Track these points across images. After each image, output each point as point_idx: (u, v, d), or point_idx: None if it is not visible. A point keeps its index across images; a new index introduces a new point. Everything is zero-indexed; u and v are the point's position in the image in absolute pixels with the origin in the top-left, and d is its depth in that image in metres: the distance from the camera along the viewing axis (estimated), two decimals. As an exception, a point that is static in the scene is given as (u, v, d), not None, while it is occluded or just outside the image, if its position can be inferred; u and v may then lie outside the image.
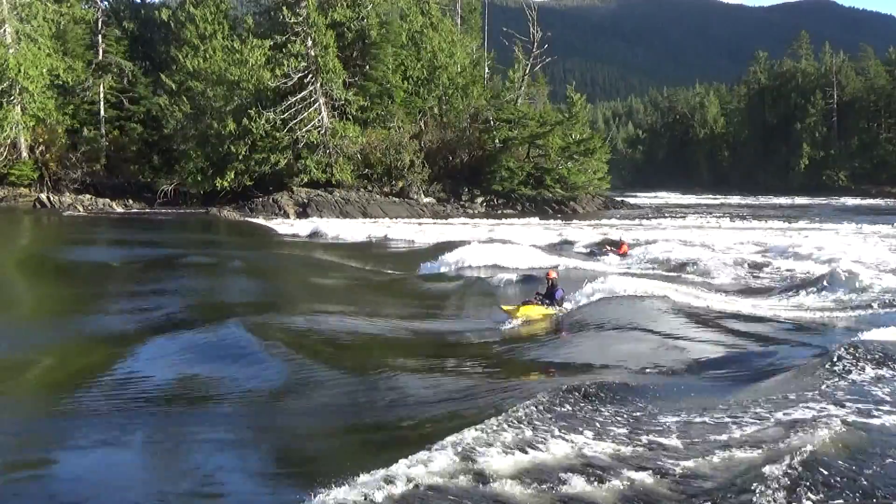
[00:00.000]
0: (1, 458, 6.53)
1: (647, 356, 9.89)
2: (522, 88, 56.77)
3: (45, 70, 43.63)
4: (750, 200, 71.69)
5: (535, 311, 12.50)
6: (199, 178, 45.08)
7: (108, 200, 46.36)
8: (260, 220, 38.70)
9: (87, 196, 46.59)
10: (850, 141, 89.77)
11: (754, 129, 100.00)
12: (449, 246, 22.54)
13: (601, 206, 53.96)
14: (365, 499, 4.80)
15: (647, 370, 9.17)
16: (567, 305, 13.05)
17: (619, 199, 60.57)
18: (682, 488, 5.34)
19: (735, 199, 74.06)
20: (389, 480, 5.02)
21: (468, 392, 8.16)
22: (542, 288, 13.10)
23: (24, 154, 45.26)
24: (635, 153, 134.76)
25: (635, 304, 13.09)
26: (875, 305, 13.29)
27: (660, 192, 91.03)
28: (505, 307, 12.47)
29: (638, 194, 79.27)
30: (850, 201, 67.17)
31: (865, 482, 5.27)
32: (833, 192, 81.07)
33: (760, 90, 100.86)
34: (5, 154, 44.27)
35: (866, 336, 9.67)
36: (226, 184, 44.17)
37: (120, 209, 45.21)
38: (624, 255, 22.21)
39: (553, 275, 13.40)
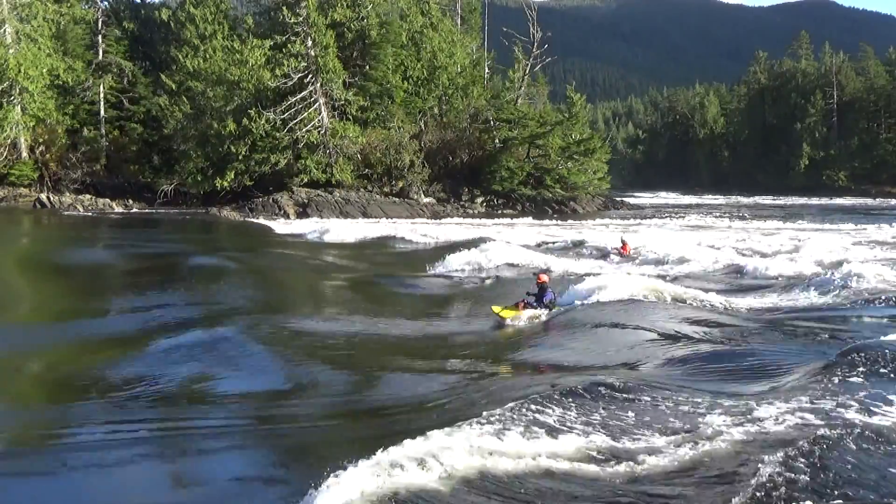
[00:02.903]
0: (1, 458, 6.53)
1: (641, 355, 9.89)
2: (522, 88, 56.82)
3: (45, 70, 43.66)
4: (750, 200, 71.72)
5: (525, 314, 12.55)
6: (199, 178, 45.09)
7: (108, 200, 46.39)
8: (260, 220, 38.70)
9: (87, 196, 46.62)
10: (850, 141, 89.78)
11: (754, 129, 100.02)
12: (448, 246, 22.54)
13: (601, 206, 53.98)
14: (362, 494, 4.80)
15: (640, 369, 9.17)
16: (557, 308, 13.04)
17: (619, 199, 60.59)
18: (677, 486, 5.34)
19: (735, 199, 74.08)
20: (386, 470, 5.02)
21: (468, 391, 8.16)
22: (533, 289, 13.10)
23: (24, 154, 45.28)
24: (635, 153, 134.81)
25: (630, 305, 13.09)
26: (875, 305, 13.29)
27: (660, 192, 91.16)
28: (495, 308, 12.49)
29: (638, 194, 79.31)
30: (850, 201, 67.21)
31: (865, 482, 5.27)
32: (833, 192, 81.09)
33: (760, 90, 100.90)
34: (5, 154, 44.30)
35: (867, 337, 9.67)
36: (226, 184, 44.19)
37: (120, 209, 45.24)
38: (626, 256, 22.03)
39: (544, 278, 13.38)
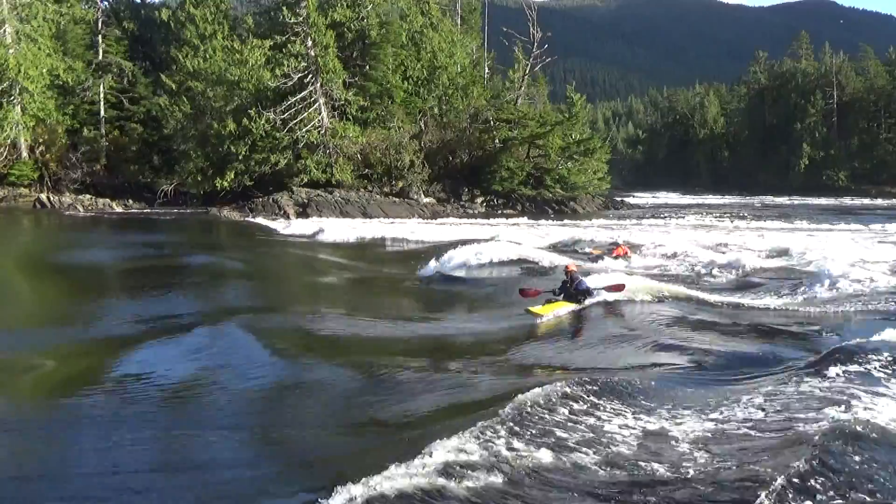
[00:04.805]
0: (2, 459, 6.54)
1: (649, 355, 9.90)
2: (522, 88, 56.83)
3: (45, 70, 43.62)
4: (750, 200, 71.73)
5: (562, 308, 12.41)
6: (199, 179, 45.08)
7: (108, 200, 46.36)
8: (260, 221, 38.71)
9: (87, 196, 46.60)
10: (850, 141, 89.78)
11: (754, 129, 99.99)
12: (450, 246, 22.50)
13: (601, 206, 54.00)
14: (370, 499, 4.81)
15: (649, 369, 9.18)
16: (590, 299, 12.95)
17: (618, 199, 60.59)
18: (679, 486, 5.35)
19: (735, 199, 74.07)
20: (392, 479, 5.03)
21: (471, 391, 8.16)
22: (561, 283, 12.97)
23: (24, 154, 45.25)
24: (635, 153, 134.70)
25: (636, 305, 13.09)
26: (871, 304, 13.30)
27: (660, 192, 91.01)
28: (531, 309, 12.22)
29: (638, 194, 79.27)
30: (850, 201, 67.22)
31: (864, 482, 5.27)
32: (833, 192, 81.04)
33: (760, 90, 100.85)
34: (5, 154, 44.25)
35: (862, 336, 9.68)
36: (226, 184, 44.15)
37: (120, 209, 45.21)
38: (622, 258, 21.51)
39: (572, 268, 13.30)
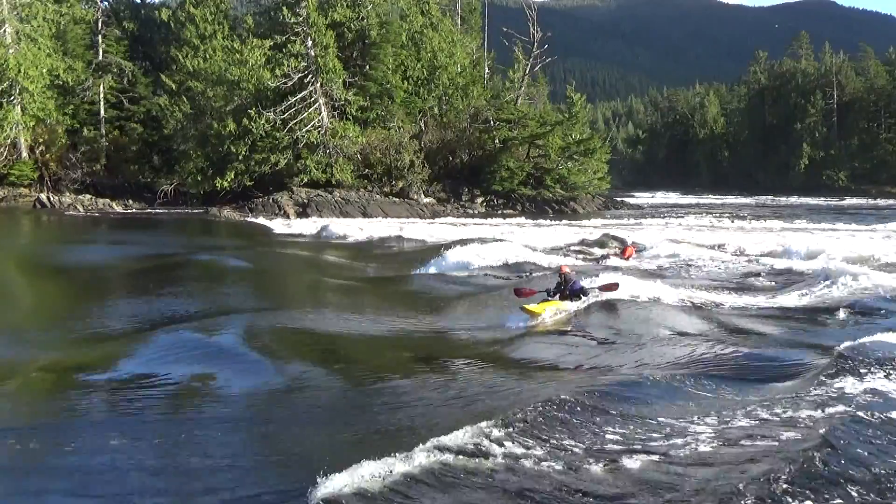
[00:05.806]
0: (2, 460, 6.54)
1: (651, 358, 9.88)
2: (522, 88, 56.87)
3: (45, 70, 43.68)
4: (749, 200, 71.74)
5: (558, 306, 12.41)
6: (199, 179, 45.10)
7: (108, 200, 46.40)
8: (260, 221, 38.73)
9: (87, 196, 46.64)
10: (850, 141, 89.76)
11: (754, 129, 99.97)
12: (450, 245, 22.51)
13: (601, 206, 54.02)
14: (361, 492, 4.81)
15: (650, 372, 9.16)
16: (585, 300, 12.92)
17: (618, 199, 60.60)
18: (682, 488, 5.34)
19: (735, 199, 74.10)
20: (387, 474, 5.03)
21: (472, 393, 8.16)
22: (555, 283, 12.98)
23: (24, 154, 45.28)
24: (635, 153, 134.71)
25: (638, 306, 13.07)
26: (873, 304, 13.29)
27: (660, 192, 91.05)
28: (527, 307, 12.19)
29: (638, 194, 79.27)
30: (850, 201, 67.22)
31: (866, 482, 5.27)
32: (833, 192, 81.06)
33: (760, 90, 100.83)
34: (5, 154, 44.30)
35: (866, 336, 9.67)
36: (226, 184, 44.18)
37: (120, 209, 45.24)
38: (629, 259, 21.52)
39: (566, 269, 13.29)
